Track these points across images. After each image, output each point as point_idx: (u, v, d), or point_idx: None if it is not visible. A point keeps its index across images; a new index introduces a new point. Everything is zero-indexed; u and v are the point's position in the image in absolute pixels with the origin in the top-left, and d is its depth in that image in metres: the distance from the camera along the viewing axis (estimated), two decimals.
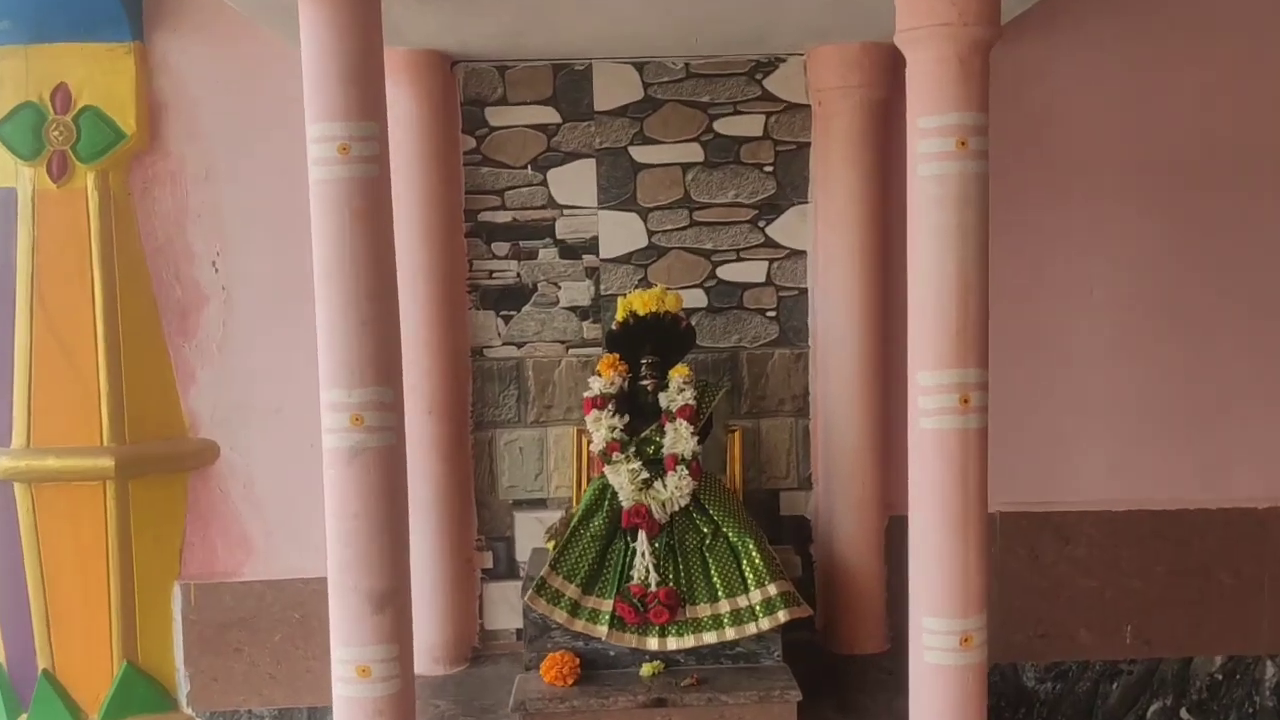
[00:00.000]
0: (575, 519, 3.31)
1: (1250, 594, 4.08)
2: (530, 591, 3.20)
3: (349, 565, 2.62)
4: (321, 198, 2.57)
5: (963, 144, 2.55)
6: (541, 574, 3.22)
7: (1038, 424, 3.95)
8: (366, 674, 2.62)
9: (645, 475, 3.29)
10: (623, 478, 3.29)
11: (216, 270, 3.75)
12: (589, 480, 3.56)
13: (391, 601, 2.64)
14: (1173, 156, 3.89)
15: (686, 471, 3.29)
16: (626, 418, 3.37)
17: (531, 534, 3.84)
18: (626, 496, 3.27)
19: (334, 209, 2.56)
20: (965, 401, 2.65)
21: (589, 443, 3.43)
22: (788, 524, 3.95)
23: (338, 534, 2.63)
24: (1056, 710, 4.13)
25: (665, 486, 3.28)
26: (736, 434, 3.75)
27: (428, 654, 3.67)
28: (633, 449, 3.34)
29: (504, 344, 3.85)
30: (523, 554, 3.88)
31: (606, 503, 3.30)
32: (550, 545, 3.49)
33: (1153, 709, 4.15)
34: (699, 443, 3.33)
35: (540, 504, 3.89)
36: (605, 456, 3.33)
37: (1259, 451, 4.05)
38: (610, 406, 3.36)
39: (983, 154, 2.58)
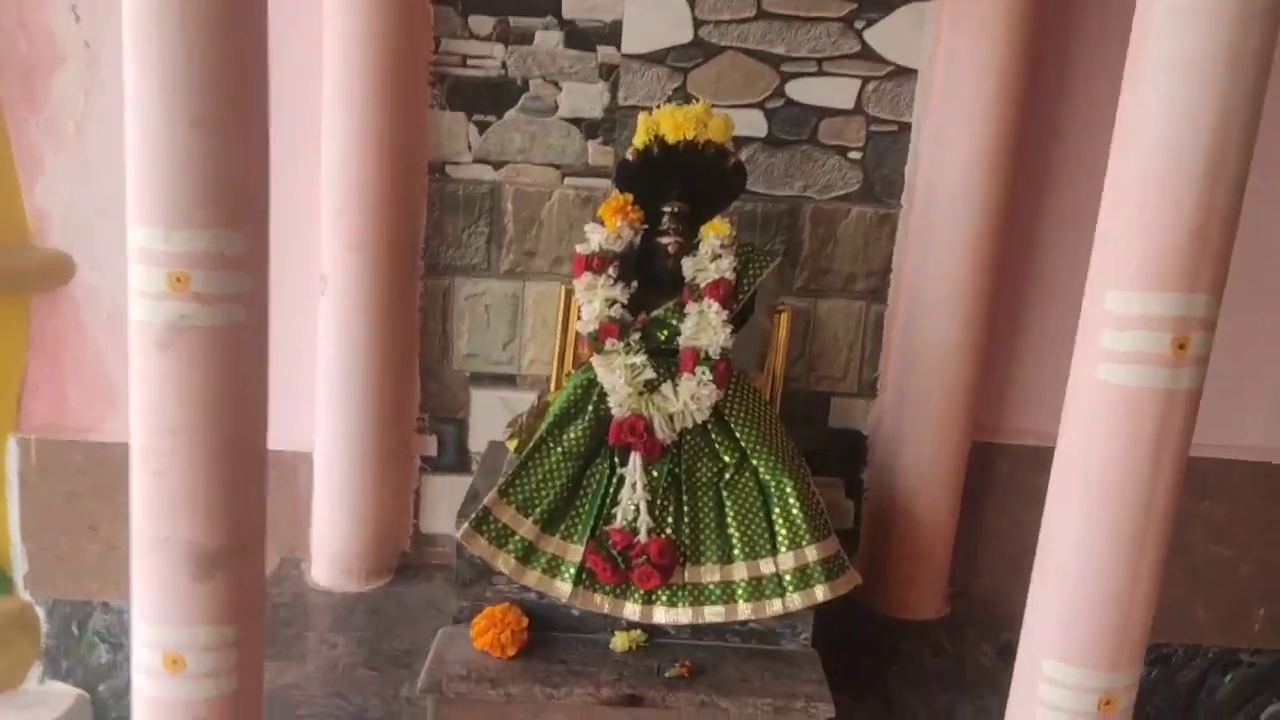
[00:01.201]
0: (544, 426, 2.32)
1: None
2: (467, 525, 2.24)
3: (158, 506, 1.65)
4: None
5: None
6: (485, 502, 2.25)
7: None
8: (178, 666, 1.69)
9: (650, 374, 2.28)
10: (617, 375, 2.28)
11: (78, 19, 2.65)
12: (577, 361, 2.57)
13: (225, 564, 1.68)
14: None
15: (709, 375, 2.27)
16: (634, 288, 2.34)
17: (492, 419, 2.87)
18: (620, 402, 2.27)
19: None
20: (1181, 347, 1.61)
21: (579, 316, 2.40)
22: (837, 439, 2.95)
23: (145, 458, 1.65)
24: (1146, 701, 3.21)
25: (677, 393, 2.27)
26: (784, 315, 2.70)
27: (336, 563, 2.79)
28: (637, 334, 2.32)
29: (475, 161, 2.77)
30: (478, 443, 2.92)
31: (591, 407, 2.30)
32: (511, 445, 2.51)
33: (1269, 710, 3.24)
34: (733, 333, 2.30)
35: (507, 381, 2.90)
36: (596, 342, 2.31)
37: None
38: (611, 270, 2.32)
39: None
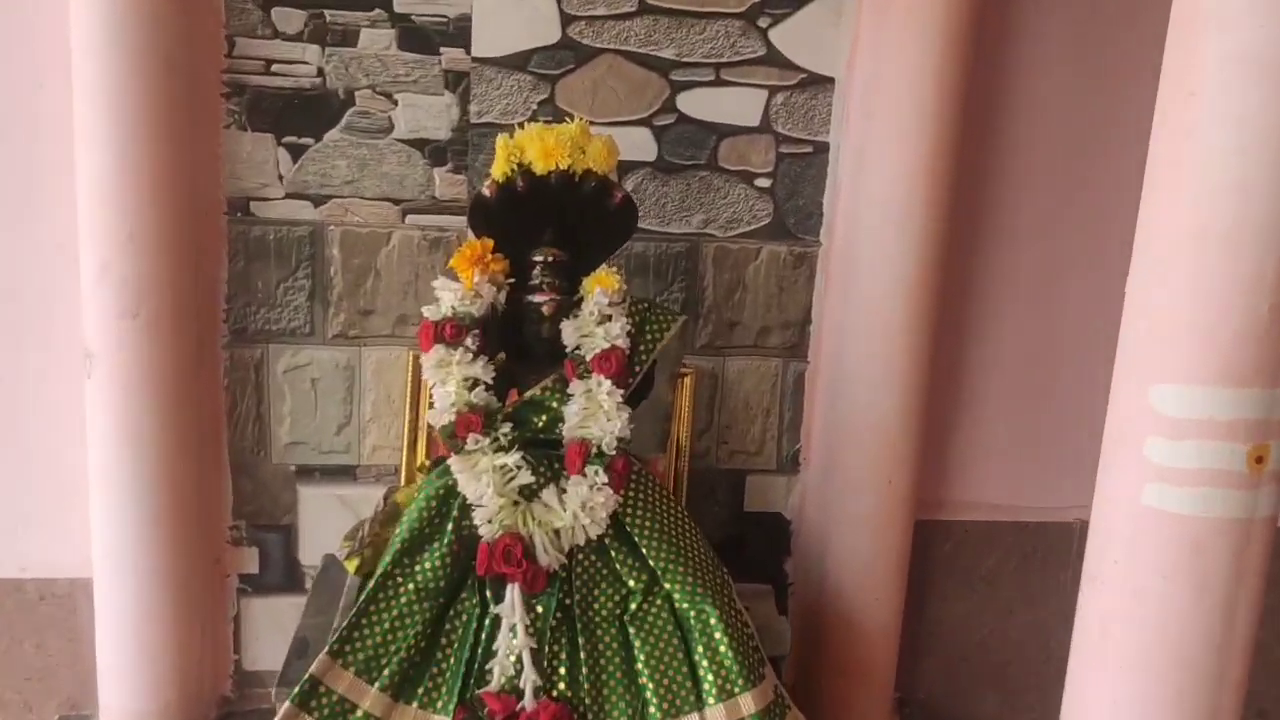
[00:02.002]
0: (389, 556, 1.73)
1: None
2: (289, 703, 1.63)
3: None
4: None
5: None
6: (314, 669, 1.64)
7: None
8: None
9: (526, 476, 1.74)
10: (484, 482, 1.71)
11: None
12: (433, 448, 2.01)
13: None
14: None
15: (604, 476, 1.73)
16: (500, 361, 1.80)
17: (328, 523, 2.27)
18: (488, 517, 1.71)
19: None
20: (1259, 461, 1.17)
21: (430, 401, 1.83)
22: (755, 525, 2.45)
23: None
24: None
25: (564, 502, 1.73)
26: (688, 380, 2.20)
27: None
28: (507, 425, 1.77)
29: (289, 196, 2.17)
30: (310, 554, 2.30)
31: (450, 526, 1.74)
32: (351, 565, 1.92)
33: None
34: (630, 418, 1.78)
35: (344, 475, 2.30)
36: (453, 440, 1.75)
37: None
38: (470, 341, 1.77)
39: None
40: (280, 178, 2.14)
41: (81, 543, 2.13)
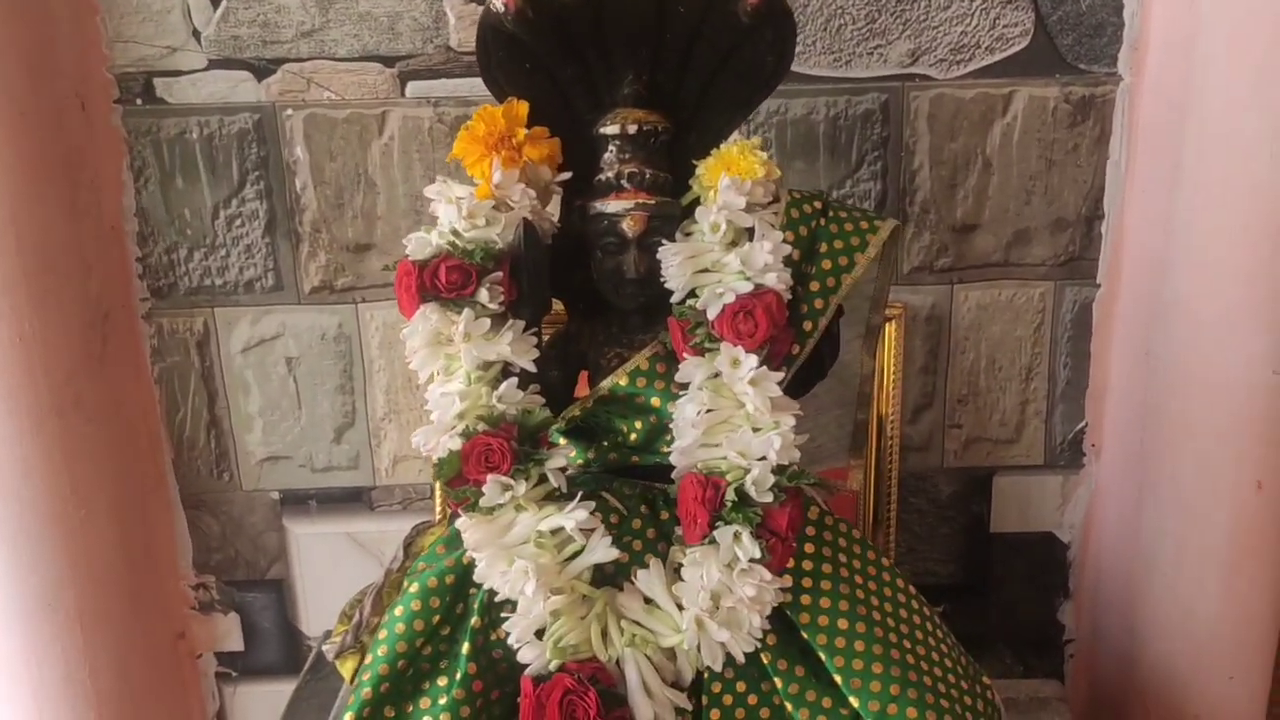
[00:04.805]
0: (349, 715, 0.90)
1: None
2: None
3: None
4: None
5: None
6: None
7: None
8: None
9: (605, 550, 0.88)
10: (520, 566, 0.87)
11: None
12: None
13: None
14: None
15: (756, 543, 0.85)
16: (552, 326, 0.95)
17: (338, 574, 1.48)
18: (532, 630, 0.86)
19: None
20: None
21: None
22: (1007, 553, 1.51)
23: None
24: None
25: (681, 595, 0.86)
26: (892, 326, 1.30)
27: None
28: (563, 449, 0.90)
29: (215, 64, 1.32)
30: (316, 620, 1.51)
31: (465, 643, 0.90)
32: (346, 667, 1.10)
33: None
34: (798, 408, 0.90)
35: (354, 501, 1.48)
36: (450, 489, 0.90)
37: None
38: (488, 293, 0.91)
39: None
40: (196, 34, 1.29)
41: None
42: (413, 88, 1.32)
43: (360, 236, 1.37)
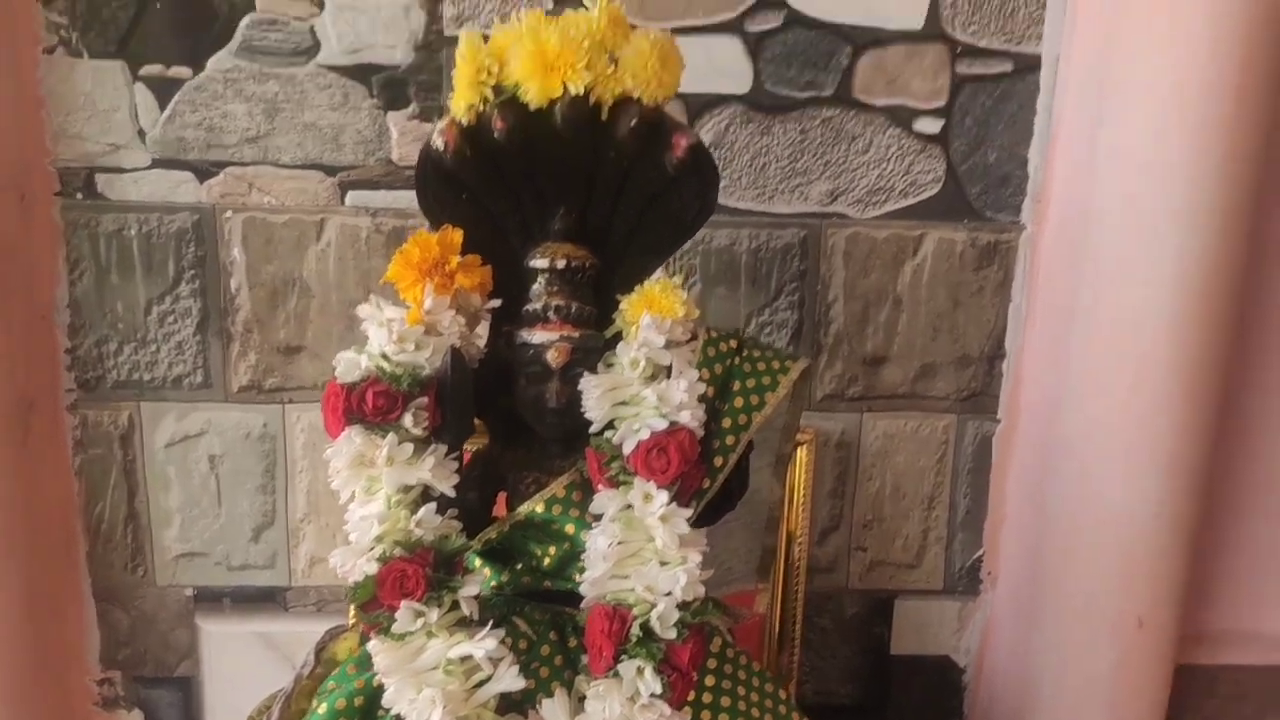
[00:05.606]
0: None
1: None
2: None
3: None
4: None
5: None
6: None
7: None
8: None
9: (511, 679, 0.90)
10: (427, 695, 0.88)
11: None
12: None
13: None
14: None
15: (656, 679, 0.89)
16: (463, 454, 0.96)
17: (247, 675, 1.46)
18: None
19: None
20: None
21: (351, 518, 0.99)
22: (906, 676, 1.55)
23: None
24: None
25: None
26: (804, 450, 1.36)
27: None
28: (477, 571, 0.93)
29: (158, 163, 1.35)
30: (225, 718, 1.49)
31: None
32: None
33: None
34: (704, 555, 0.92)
35: (268, 601, 1.48)
36: (364, 612, 0.92)
37: None
38: (412, 417, 0.94)
39: None
40: (141, 134, 1.33)
41: None
42: (352, 197, 1.36)
43: (292, 338, 1.39)
